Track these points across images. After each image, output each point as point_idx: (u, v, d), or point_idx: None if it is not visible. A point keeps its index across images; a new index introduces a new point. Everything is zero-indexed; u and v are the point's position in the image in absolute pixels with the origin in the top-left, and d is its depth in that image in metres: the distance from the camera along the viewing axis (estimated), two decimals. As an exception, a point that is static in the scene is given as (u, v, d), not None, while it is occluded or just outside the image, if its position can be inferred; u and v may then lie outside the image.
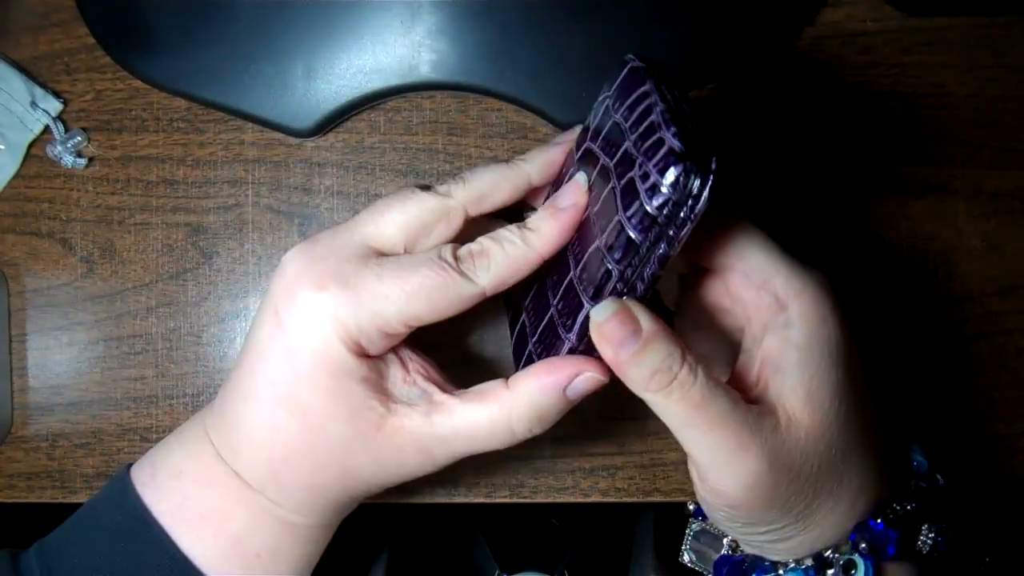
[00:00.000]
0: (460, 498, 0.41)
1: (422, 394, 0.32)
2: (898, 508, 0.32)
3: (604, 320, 0.29)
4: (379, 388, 0.32)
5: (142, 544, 0.32)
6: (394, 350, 0.33)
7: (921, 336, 0.41)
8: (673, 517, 0.64)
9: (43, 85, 0.42)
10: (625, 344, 0.29)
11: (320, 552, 0.36)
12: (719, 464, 0.29)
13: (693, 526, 0.36)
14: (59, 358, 0.42)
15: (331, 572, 0.61)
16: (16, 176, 0.42)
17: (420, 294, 0.30)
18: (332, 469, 0.32)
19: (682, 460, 0.41)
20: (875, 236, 0.41)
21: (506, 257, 0.31)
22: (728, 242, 0.31)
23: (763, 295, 0.31)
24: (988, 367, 0.41)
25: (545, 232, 0.31)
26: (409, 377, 0.33)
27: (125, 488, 0.34)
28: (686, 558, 0.36)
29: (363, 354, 0.31)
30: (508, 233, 0.32)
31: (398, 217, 0.32)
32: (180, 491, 0.33)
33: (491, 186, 0.33)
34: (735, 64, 0.40)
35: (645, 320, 0.29)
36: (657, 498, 0.41)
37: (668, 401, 0.29)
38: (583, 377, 0.31)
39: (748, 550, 0.34)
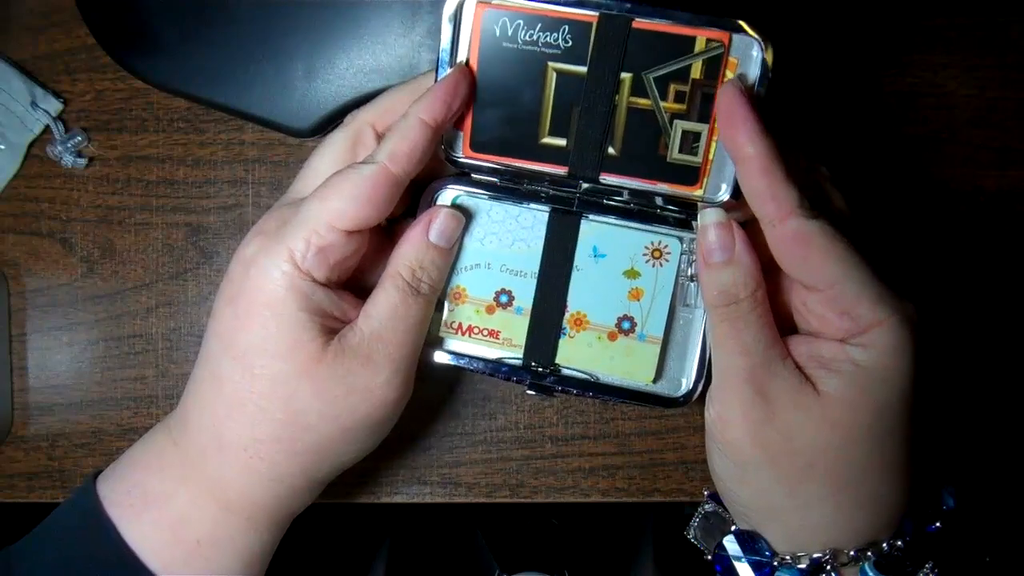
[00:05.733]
0: (460, 498, 0.41)
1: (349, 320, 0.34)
2: (901, 543, 0.32)
3: (711, 223, 0.33)
4: (323, 320, 0.32)
5: (92, 538, 0.33)
6: (338, 297, 0.33)
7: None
8: (673, 517, 0.64)
9: (43, 85, 0.42)
10: (717, 252, 0.32)
11: (267, 550, 0.35)
12: (727, 390, 0.32)
13: (706, 507, 0.37)
14: (59, 358, 0.42)
15: (331, 572, 0.61)
16: (16, 176, 0.42)
17: (330, 191, 0.32)
18: (274, 414, 0.32)
19: (682, 460, 0.41)
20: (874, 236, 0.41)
21: (396, 131, 0.33)
22: (823, 267, 0.31)
23: (844, 319, 0.31)
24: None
25: (427, 99, 0.33)
26: (347, 316, 0.33)
27: (87, 485, 0.34)
28: (691, 534, 0.36)
29: (310, 279, 0.32)
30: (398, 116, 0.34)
31: (320, 163, 0.35)
32: (131, 479, 0.34)
33: (391, 103, 0.35)
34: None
35: (740, 243, 0.32)
36: (657, 498, 0.41)
37: (719, 316, 0.32)
38: (438, 217, 0.34)
39: (743, 526, 0.34)
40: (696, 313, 0.36)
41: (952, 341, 0.41)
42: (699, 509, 0.37)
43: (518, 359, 0.36)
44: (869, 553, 0.32)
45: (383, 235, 0.36)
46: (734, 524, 0.35)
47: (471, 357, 0.36)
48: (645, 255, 0.36)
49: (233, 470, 0.33)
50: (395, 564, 0.62)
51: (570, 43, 0.33)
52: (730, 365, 0.32)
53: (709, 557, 0.36)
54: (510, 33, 0.33)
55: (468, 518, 0.71)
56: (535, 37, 0.33)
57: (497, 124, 0.34)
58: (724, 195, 0.34)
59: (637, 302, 0.36)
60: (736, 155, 0.32)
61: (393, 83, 0.40)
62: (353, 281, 0.35)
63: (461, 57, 0.33)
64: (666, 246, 0.35)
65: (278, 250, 0.32)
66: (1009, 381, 0.41)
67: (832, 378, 0.31)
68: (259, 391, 0.32)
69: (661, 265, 0.36)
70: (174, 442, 0.34)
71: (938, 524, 0.33)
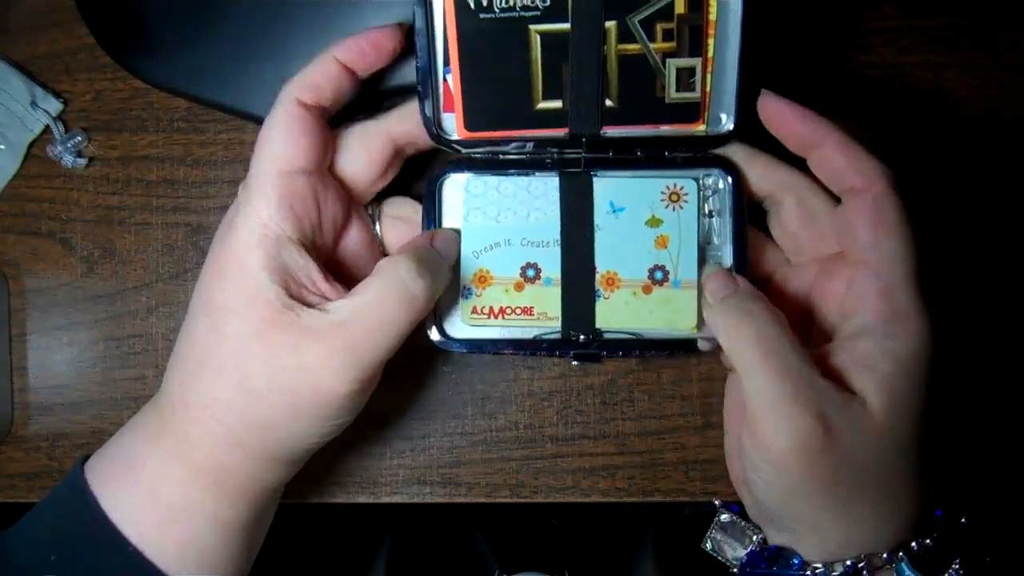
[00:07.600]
0: (460, 498, 0.41)
1: (323, 301, 0.33)
2: (930, 542, 0.32)
3: (707, 274, 0.34)
4: (287, 282, 0.32)
5: (76, 512, 0.32)
6: (308, 261, 0.33)
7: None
8: (673, 517, 0.64)
9: (43, 85, 0.42)
10: (722, 288, 0.33)
11: (244, 522, 0.33)
12: (776, 416, 0.30)
13: (722, 516, 0.36)
14: (59, 358, 0.42)
15: (331, 572, 0.61)
16: (16, 176, 0.42)
17: (264, 143, 0.33)
18: (230, 375, 0.31)
19: (682, 460, 0.41)
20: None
21: (306, 66, 0.34)
22: (888, 240, 0.31)
23: (883, 299, 0.31)
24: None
25: (344, 42, 0.34)
26: (316, 288, 0.33)
27: (76, 463, 0.34)
28: (708, 545, 0.36)
29: (280, 234, 0.32)
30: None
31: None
32: (114, 447, 0.34)
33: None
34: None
35: (742, 279, 0.34)
36: (657, 498, 0.41)
37: (745, 342, 0.31)
38: (443, 229, 0.35)
39: (778, 541, 0.34)
40: (725, 249, 0.36)
41: (950, 340, 0.41)
42: (715, 519, 0.36)
43: (557, 332, 0.35)
44: (901, 553, 0.32)
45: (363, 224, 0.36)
46: (755, 534, 0.35)
47: (508, 341, 0.36)
48: (663, 201, 0.35)
49: (197, 430, 0.32)
50: (395, 564, 0.62)
51: (548, 1, 0.32)
52: (777, 392, 0.30)
53: (735, 570, 0.35)
54: (485, 3, 0.32)
55: (468, 518, 0.71)
56: (512, 2, 0.32)
57: (488, 99, 0.34)
58: (727, 125, 0.34)
59: (665, 250, 0.35)
60: (808, 147, 0.33)
61: (392, 83, 0.40)
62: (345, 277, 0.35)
63: (438, 38, 0.33)
64: (682, 187, 0.35)
65: (246, 211, 0.32)
66: (1008, 379, 0.41)
67: (871, 381, 0.31)
68: (221, 348, 0.32)
69: (681, 208, 0.35)
70: (155, 406, 0.34)
71: (963, 519, 0.33)
